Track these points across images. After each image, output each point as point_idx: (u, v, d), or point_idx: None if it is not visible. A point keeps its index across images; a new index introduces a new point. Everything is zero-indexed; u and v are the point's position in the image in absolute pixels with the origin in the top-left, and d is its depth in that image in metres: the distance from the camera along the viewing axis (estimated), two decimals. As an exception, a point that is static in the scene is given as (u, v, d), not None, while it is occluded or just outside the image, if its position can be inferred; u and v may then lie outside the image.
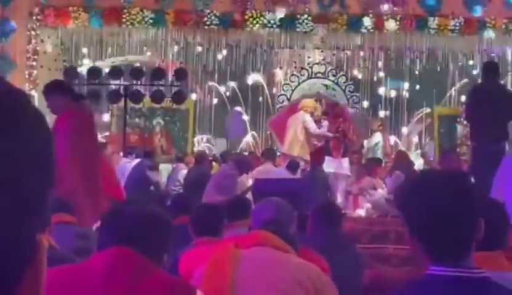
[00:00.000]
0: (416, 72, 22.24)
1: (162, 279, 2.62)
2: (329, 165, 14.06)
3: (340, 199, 13.67)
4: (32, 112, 1.05)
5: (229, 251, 3.44)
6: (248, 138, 22.85)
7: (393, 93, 24.05)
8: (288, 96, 20.77)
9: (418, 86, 23.79)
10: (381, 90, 23.78)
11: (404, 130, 23.26)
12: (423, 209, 2.35)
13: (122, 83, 17.13)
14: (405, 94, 23.98)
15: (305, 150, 14.78)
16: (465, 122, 15.11)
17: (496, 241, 2.99)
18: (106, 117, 20.59)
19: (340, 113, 16.07)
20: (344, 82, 20.85)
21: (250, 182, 12.39)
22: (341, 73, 21.25)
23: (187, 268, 4.02)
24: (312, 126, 15.06)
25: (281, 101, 20.96)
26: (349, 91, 20.76)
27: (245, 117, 23.24)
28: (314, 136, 14.83)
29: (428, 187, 2.40)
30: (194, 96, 22.11)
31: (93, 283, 2.57)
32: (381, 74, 23.00)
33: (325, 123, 15.32)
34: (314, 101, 16.92)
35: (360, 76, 22.84)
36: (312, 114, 15.34)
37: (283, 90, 21.25)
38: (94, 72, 16.87)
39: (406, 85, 23.57)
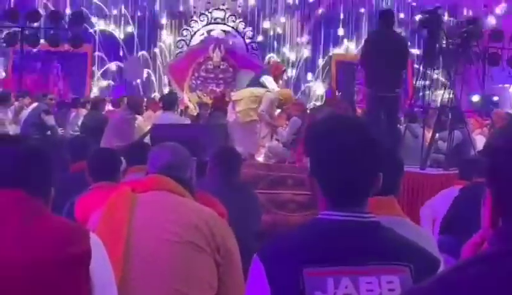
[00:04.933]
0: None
1: (54, 222, 2.59)
2: None
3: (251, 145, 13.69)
4: None
5: (126, 194, 3.44)
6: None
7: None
8: (188, 42, 20.67)
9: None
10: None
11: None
12: (326, 152, 2.38)
13: (17, 26, 16.76)
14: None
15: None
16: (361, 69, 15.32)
17: (390, 187, 3.07)
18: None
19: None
20: (243, 28, 20.87)
21: (148, 126, 12.30)
22: (240, 19, 21.26)
23: (83, 213, 3.99)
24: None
25: (180, 46, 20.84)
26: (249, 37, 20.80)
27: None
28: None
29: (333, 131, 2.42)
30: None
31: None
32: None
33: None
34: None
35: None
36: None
37: (182, 35, 21.13)
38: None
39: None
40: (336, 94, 20.03)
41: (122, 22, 23.36)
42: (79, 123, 14.32)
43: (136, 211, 3.35)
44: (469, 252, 1.99)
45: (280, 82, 15.13)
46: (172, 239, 3.29)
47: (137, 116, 11.65)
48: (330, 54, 23.64)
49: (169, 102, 12.90)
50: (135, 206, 3.37)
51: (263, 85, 13.62)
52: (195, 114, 16.64)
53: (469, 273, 1.57)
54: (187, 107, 17.88)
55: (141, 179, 3.69)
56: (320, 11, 23.84)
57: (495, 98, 22.83)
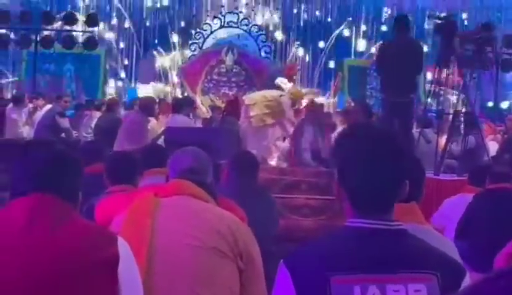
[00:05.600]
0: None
1: (83, 225, 2.62)
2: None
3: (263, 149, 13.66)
4: None
5: (149, 199, 3.45)
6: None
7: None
8: (200, 45, 20.69)
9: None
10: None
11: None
12: (353, 161, 2.38)
13: (32, 27, 16.82)
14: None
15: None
16: (375, 74, 15.30)
17: (413, 194, 3.06)
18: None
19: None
20: (256, 32, 20.87)
21: (161, 129, 12.30)
22: (254, 22, 21.28)
23: (104, 216, 4.00)
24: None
25: (193, 49, 20.87)
26: (262, 41, 20.80)
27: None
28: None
29: (360, 140, 2.41)
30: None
31: (13, 231, 2.54)
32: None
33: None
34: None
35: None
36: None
37: (195, 38, 21.16)
38: (3, 16, 16.51)
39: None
40: (350, 102, 19.95)
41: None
42: (93, 125, 14.33)
43: (159, 216, 3.36)
44: (502, 262, 1.97)
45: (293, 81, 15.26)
46: (194, 244, 3.29)
47: (150, 118, 11.65)
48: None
49: (179, 105, 12.89)
50: (158, 211, 3.37)
51: (278, 87, 13.73)
52: (207, 116, 16.66)
53: (500, 285, 1.56)
54: (195, 108, 17.85)
55: (164, 184, 3.70)
56: None
57: (505, 104, 22.75)
